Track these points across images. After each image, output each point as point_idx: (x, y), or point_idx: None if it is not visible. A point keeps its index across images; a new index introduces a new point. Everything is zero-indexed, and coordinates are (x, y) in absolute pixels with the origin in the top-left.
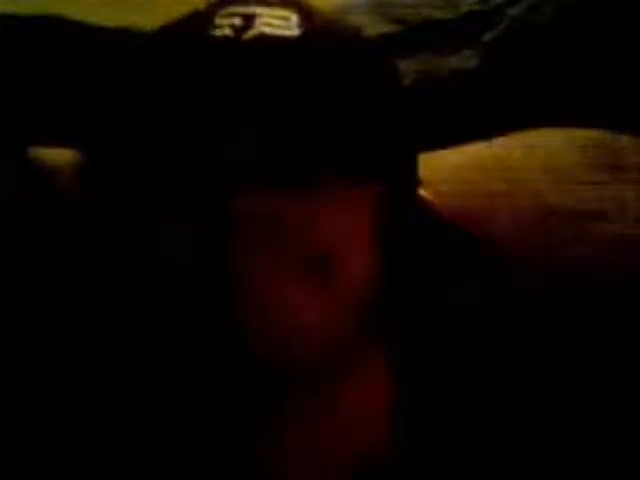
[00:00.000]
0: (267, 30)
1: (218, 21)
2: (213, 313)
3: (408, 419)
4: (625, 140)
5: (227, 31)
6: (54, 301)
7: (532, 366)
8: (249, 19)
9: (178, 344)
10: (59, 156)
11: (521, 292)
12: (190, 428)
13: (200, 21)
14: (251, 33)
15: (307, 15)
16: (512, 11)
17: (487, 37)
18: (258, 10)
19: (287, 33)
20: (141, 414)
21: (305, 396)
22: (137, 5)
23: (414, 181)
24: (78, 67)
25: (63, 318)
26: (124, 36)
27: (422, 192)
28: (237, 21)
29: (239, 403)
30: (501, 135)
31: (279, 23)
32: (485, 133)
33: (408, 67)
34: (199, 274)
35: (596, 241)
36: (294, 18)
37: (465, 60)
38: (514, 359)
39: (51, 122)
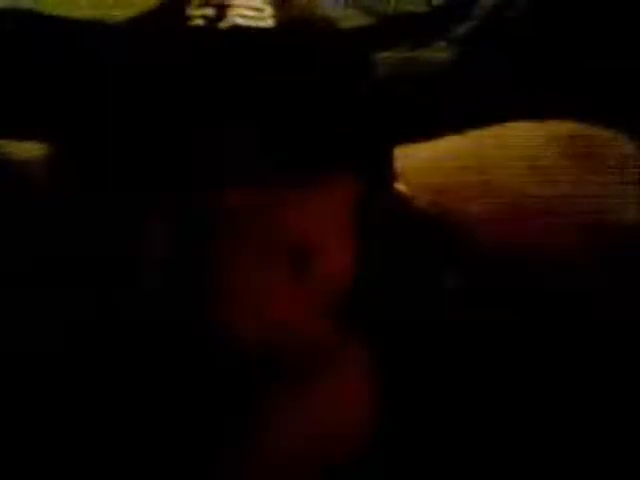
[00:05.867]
0: (240, 21)
1: (191, 12)
2: (195, 309)
3: (389, 416)
4: (601, 132)
5: (200, 22)
6: (32, 298)
7: (510, 358)
8: (222, 9)
9: (161, 339)
10: (29, 150)
11: (496, 283)
12: (170, 424)
13: (172, 12)
14: (224, 24)
15: (281, 6)
16: (486, 2)
17: (461, 29)
18: (231, 1)
19: (260, 24)
20: (127, 409)
21: (285, 393)
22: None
23: (390, 174)
24: (49, 60)
25: (38, 316)
26: (94, 29)
27: (398, 185)
28: (210, 12)
29: (214, 401)
30: (476, 128)
31: (252, 14)
32: (460, 126)
33: (382, 59)
34: (180, 269)
35: (570, 230)
36: (268, 9)
37: (439, 52)
38: (491, 352)
39: (21, 115)
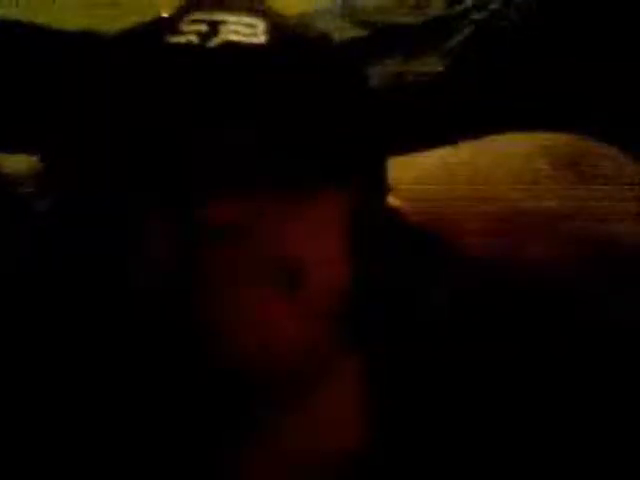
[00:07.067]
0: (233, 37)
1: (183, 27)
2: (184, 323)
3: (384, 424)
4: (591, 143)
5: (192, 38)
6: (27, 305)
7: (502, 364)
8: (215, 26)
9: (150, 350)
10: (20, 163)
11: (488, 294)
12: (166, 436)
13: (164, 27)
14: (217, 40)
15: (274, 22)
16: (477, 16)
17: (453, 42)
18: (224, 17)
19: (254, 40)
20: (122, 417)
21: (277, 405)
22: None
23: (383, 187)
24: (41, 71)
25: (38, 319)
26: (87, 41)
27: (391, 198)
28: (203, 28)
29: (210, 413)
30: (468, 140)
31: (246, 30)
32: (452, 138)
33: (375, 72)
34: (170, 280)
35: (561, 241)
36: (261, 25)
37: (431, 65)
38: (484, 358)
39: (12, 128)
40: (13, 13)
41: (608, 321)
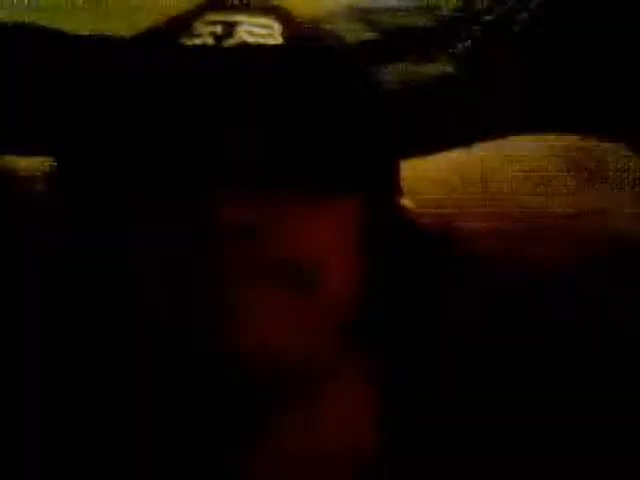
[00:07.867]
0: (249, 39)
1: (198, 29)
2: (197, 324)
3: (387, 424)
4: (603, 145)
5: (208, 39)
6: (30, 304)
7: (508, 365)
8: (230, 27)
9: (152, 350)
10: (31, 164)
11: (499, 296)
12: (171, 440)
13: (178, 28)
14: (232, 41)
15: (289, 23)
16: (489, 18)
17: (464, 44)
18: (240, 18)
19: (270, 41)
20: (127, 423)
21: (289, 408)
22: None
23: (395, 189)
24: (54, 74)
25: (37, 320)
26: (100, 43)
27: (404, 200)
28: (218, 29)
29: (212, 413)
30: (481, 142)
31: (261, 31)
32: (463, 140)
33: (388, 74)
34: (177, 280)
35: (571, 242)
36: (276, 26)
37: (443, 67)
38: (490, 360)
39: (24, 130)
40: (22, 16)
41: (613, 322)
